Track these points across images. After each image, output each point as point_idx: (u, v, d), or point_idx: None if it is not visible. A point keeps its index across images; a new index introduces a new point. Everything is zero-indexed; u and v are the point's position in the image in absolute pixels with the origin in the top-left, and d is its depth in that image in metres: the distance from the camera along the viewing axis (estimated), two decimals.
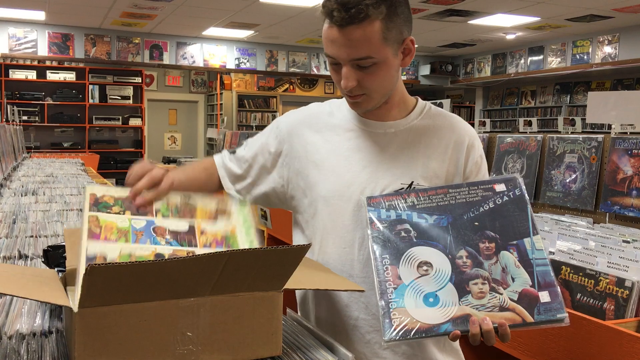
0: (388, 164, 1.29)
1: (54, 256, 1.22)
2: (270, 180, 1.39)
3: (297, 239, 1.42)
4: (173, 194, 1.16)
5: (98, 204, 1.08)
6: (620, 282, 1.56)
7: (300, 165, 1.35)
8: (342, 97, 1.39)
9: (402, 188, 1.26)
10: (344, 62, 1.20)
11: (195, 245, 1.06)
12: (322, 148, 1.34)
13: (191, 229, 1.09)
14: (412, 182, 1.27)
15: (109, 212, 1.07)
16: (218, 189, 1.44)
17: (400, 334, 1.03)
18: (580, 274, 1.66)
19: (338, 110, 1.39)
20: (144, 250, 1.02)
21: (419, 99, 1.39)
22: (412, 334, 1.03)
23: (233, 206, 1.15)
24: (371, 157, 1.30)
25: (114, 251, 1.00)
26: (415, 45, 1.27)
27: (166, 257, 1.01)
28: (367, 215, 1.18)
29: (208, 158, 1.46)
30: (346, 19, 1.14)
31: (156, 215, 1.10)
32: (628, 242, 1.99)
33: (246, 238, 1.10)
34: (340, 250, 1.30)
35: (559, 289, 1.06)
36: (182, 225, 1.09)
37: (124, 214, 1.08)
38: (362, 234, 1.26)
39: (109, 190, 1.12)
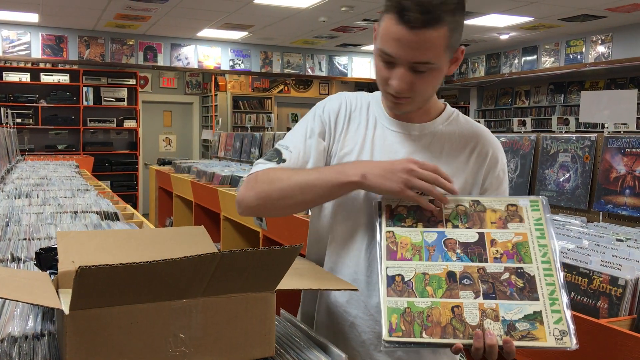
0: None
1: (46, 258, 1.22)
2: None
3: (313, 231, 1.41)
4: (462, 198, 1.18)
5: (393, 217, 1.16)
6: (613, 280, 1.56)
7: (329, 154, 1.35)
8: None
9: (418, 192, 1.25)
10: (402, 63, 1.17)
11: (485, 260, 1.09)
12: (349, 141, 1.33)
13: (481, 239, 1.12)
14: None
15: (403, 226, 1.15)
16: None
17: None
18: (574, 272, 1.67)
19: (368, 105, 1.37)
20: (437, 269, 1.09)
21: (448, 105, 1.37)
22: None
23: (524, 210, 1.15)
24: (391, 158, 1.28)
25: (410, 271, 1.09)
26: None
27: (457, 275, 1.08)
28: (377, 220, 1.18)
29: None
30: (420, 20, 1.11)
31: (446, 225, 1.14)
32: (621, 240, 1.99)
33: (538, 244, 1.11)
34: (350, 246, 1.30)
35: (572, 323, 1.04)
36: (471, 235, 1.13)
37: (416, 226, 1.15)
38: (372, 234, 1.25)
39: (402, 201, 1.17)
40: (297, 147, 1.32)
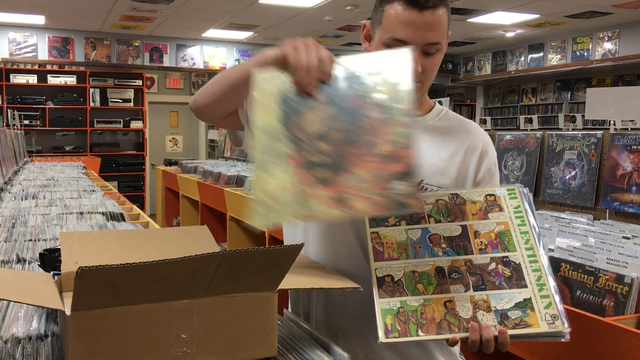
0: None
1: (50, 259, 1.22)
2: None
3: (291, 233, 1.41)
4: (441, 193, 1.20)
5: (376, 217, 1.17)
6: (619, 278, 1.55)
7: None
8: None
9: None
10: (417, 46, 1.18)
11: (471, 252, 1.11)
12: None
13: (464, 232, 1.14)
14: (422, 180, 1.26)
15: (387, 225, 1.16)
16: None
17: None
18: (580, 270, 1.66)
19: None
20: (425, 266, 1.10)
21: (437, 103, 1.39)
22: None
23: (502, 199, 1.17)
24: None
25: (399, 270, 1.10)
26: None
27: (445, 270, 1.09)
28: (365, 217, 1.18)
29: None
30: (428, 1, 1.14)
31: (429, 221, 1.16)
32: (628, 238, 1.98)
33: (520, 231, 1.12)
34: (337, 246, 1.29)
35: (562, 307, 1.05)
36: (454, 229, 1.14)
37: (399, 224, 1.16)
38: (361, 230, 1.25)
39: None
40: None
